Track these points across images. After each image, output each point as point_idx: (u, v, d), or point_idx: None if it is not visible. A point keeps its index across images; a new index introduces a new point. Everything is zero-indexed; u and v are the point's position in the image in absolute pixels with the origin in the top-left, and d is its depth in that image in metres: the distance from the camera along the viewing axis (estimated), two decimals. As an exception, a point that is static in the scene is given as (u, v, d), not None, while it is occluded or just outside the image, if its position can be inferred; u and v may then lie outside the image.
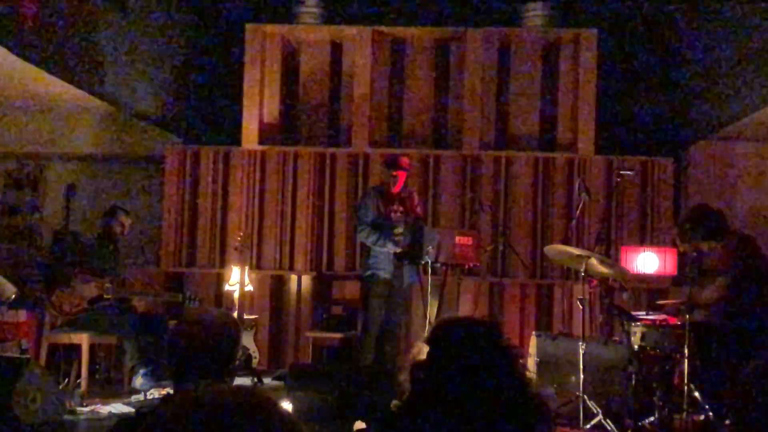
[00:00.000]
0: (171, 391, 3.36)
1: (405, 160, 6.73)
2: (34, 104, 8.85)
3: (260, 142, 8.34)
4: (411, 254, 6.53)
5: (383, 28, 8.45)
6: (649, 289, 7.60)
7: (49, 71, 6.68)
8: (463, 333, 2.08)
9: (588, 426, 5.44)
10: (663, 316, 5.82)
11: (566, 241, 6.62)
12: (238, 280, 7.07)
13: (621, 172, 6.53)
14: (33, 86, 7.73)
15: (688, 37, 7.77)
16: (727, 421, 5.02)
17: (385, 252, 6.53)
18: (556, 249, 6.13)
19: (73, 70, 6.90)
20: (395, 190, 6.65)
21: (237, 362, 2.69)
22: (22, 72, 6.80)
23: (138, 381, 6.14)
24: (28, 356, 5.49)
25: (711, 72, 7.53)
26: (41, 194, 9.45)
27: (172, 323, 6.55)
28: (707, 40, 7.45)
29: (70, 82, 7.08)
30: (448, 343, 2.08)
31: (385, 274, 6.55)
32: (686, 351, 5.21)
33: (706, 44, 7.48)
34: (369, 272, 6.63)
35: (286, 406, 5.12)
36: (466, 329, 2.10)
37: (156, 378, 6.11)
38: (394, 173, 6.59)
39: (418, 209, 6.88)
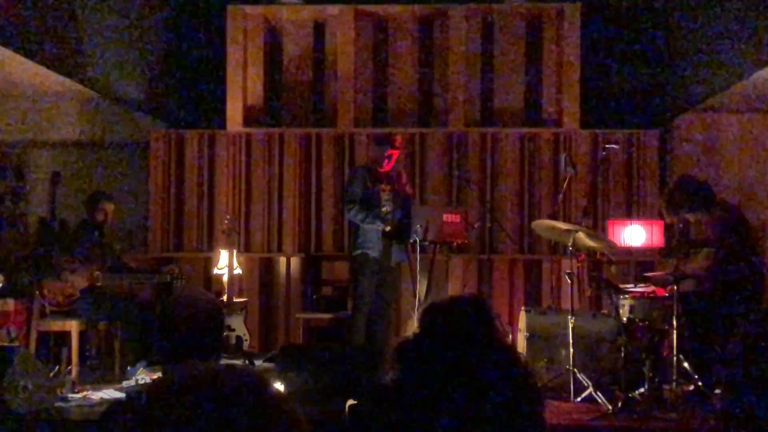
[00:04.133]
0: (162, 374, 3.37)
1: (399, 139, 6.73)
2: (16, 91, 8.78)
3: (244, 125, 8.30)
4: (399, 233, 6.54)
5: (365, 7, 8.39)
6: (637, 262, 7.63)
7: (30, 57, 6.61)
8: (451, 311, 2.08)
9: (578, 399, 5.48)
10: (651, 288, 5.86)
11: (553, 216, 6.64)
12: (226, 263, 7.06)
13: (606, 145, 6.55)
14: (14, 73, 7.67)
15: (671, 8, 7.75)
16: (717, 391, 5.07)
17: (373, 231, 6.53)
18: (543, 224, 6.14)
19: (53, 55, 6.83)
20: (386, 168, 6.64)
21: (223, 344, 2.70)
22: (2, 59, 6.74)
23: (140, 373, 6.11)
24: (17, 344, 5.48)
25: (695, 43, 7.52)
26: (26, 182, 9.39)
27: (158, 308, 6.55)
28: (691, 11, 7.44)
29: (52, 68, 7.02)
30: (436, 321, 2.08)
31: (374, 253, 6.55)
32: (674, 322, 5.25)
33: (690, 15, 7.47)
34: (358, 251, 6.63)
35: (278, 387, 5.13)
36: (454, 307, 2.10)
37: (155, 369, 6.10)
38: (389, 152, 6.58)
39: (407, 188, 6.88)
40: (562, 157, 7.13)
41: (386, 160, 6.60)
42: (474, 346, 1.99)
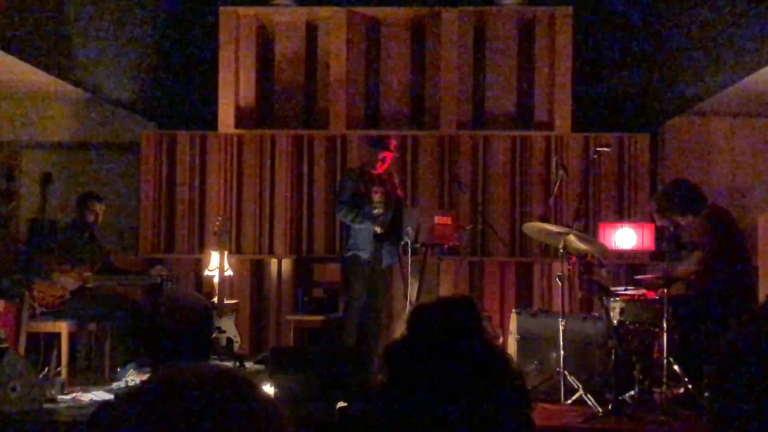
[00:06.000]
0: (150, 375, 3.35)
1: (394, 143, 6.75)
2: (7, 92, 8.76)
3: (236, 126, 8.28)
4: (391, 235, 6.54)
5: (358, 9, 8.40)
6: (628, 265, 7.64)
7: (21, 58, 6.60)
8: (439, 312, 2.08)
9: (569, 401, 5.49)
10: (641, 291, 5.87)
11: (544, 219, 6.64)
12: (217, 265, 7.04)
13: (597, 148, 6.56)
14: (5, 74, 7.65)
15: (663, 13, 7.77)
16: (707, 394, 5.08)
17: (365, 233, 6.53)
18: (534, 227, 6.15)
19: (45, 56, 6.82)
20: (379, 171, 6.64)
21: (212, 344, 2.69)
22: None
23: (129, 374, 6.08)
24: (6, 345, 5.45)
25: (686, 47, 7.55)
26: (17, 182, 9.35)
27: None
28: (682, 16, 7.46)
29: (43, 69, 7.00)
30: (424, 323, 2.08)
31: (365, 255, 6.55)
32: (665, 325, 5.26)
33: (681, 20, 7.49)
34: (350, 253, 6.63)
35: (269, 389, 5.12)
36: (442, 308, 2.10)
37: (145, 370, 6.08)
38: (383, 154, 6.59)
39: (399, 191, 6.88)
40: (554, 160, 7.13)
41: (379, 163, 6.61)
42: (462, 347, 1.99)
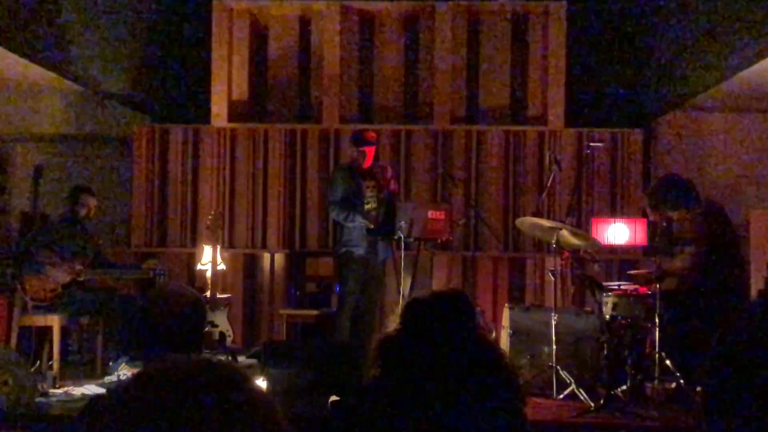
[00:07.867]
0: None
1: (371, 134, 6.73)
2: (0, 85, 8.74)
3: (230, 120, 8.27)
4: (384, 230, 6.53)
5: (352, 3, 8.39)
6: (620, 260, 7.66)
7: (14, 51, 6.57)
8: (433, 306, 2.08)
9: (561, 396, 5.50)
10: (634, 286, 5.88)
11: (537, 214, 6.65)
12: (210, 259, 7.03)
13: (591, 144, 6.57)
14: (-3, 66, 7.63)
15: (656, 8, 7.78)
16: (698, 388, 5.10)
17: (359, 228, 6.52)
18: (527, 222, 6.16)
19: (38, 49, 6.80)
20: (366, 165, 6.64)
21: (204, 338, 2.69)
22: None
23: (121, 368, 6.07)
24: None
25: (680, 43, 7.55)
26: (9, 176, 9.33)
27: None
28: (676, 11, 7.47)
29: (36, 61, 6.98)
30: (417, 316, 2.09)
31: (360, 250, 6.55)
32: (657, 320, 5.27)
33: (674, 15, 7.50)
34: (344, 249, 6.62)
35: (261, 383, 5.12)
36: (436, 302, 2.10)
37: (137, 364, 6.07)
38: (362, 148, 6.59)
39: (392, 184, 6.87)
40: (547, 155, 7.14)
41: (363, 157, 6.60)
42: (455, 340, 2.00)
